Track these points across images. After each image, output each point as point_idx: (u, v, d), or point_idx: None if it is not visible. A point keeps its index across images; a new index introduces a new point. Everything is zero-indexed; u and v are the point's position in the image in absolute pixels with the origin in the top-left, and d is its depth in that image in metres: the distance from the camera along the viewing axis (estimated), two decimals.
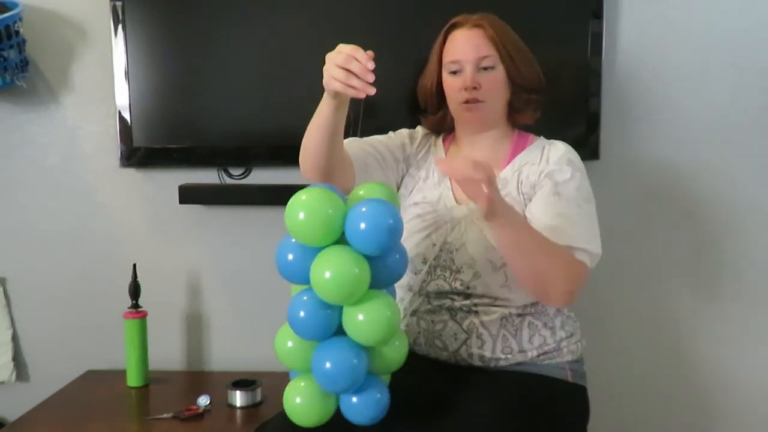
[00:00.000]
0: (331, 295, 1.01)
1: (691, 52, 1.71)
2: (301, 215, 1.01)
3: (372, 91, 1.08)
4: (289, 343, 1.11)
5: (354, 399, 1.07)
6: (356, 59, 1.07)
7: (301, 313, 1.04)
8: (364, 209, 1.01)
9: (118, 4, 1.73)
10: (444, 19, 1.39)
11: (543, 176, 1.29)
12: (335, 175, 1.27)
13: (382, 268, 1.04)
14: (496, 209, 1.11)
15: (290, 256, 1.06)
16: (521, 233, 1.18)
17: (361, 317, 1.02)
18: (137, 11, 1.73)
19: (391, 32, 1.70)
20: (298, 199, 1.03)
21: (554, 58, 1.49)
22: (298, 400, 1.09)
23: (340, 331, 1.07)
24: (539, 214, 1.26)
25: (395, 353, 1.10)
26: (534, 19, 1.63)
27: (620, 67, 1.72)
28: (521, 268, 1.22)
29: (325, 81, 1.12)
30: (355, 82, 1.08)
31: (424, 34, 1.43)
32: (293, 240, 1.06)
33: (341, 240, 1.04)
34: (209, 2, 1.74)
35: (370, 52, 1.09)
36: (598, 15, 1.66)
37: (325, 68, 1.12)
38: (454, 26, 1.37)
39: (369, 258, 1.03)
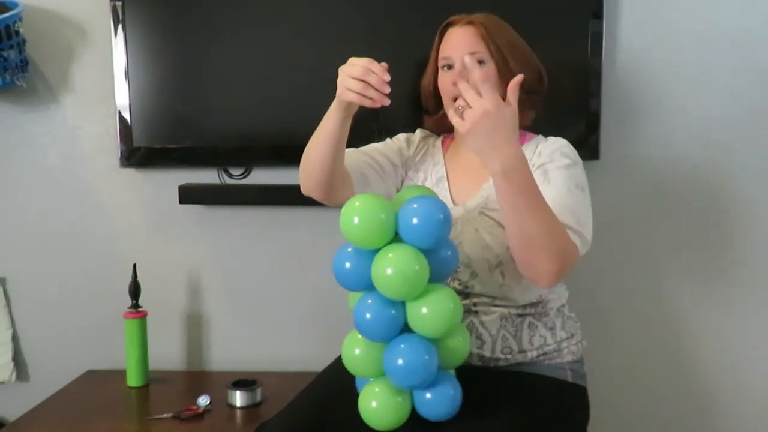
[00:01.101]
0: (394, 290, 1.05)
1: (691, 51, 1.71)
2: (356, 220, 1.06)
3: (388, 102, 1.12)
4: (357, 351, 1.14)
5: (428, 395, 1.11)
6: (372, 71, 1.11)
7: (368, 315, 1.08)
8: (415, 206, 1.07)
9: (118, 4, 1.73)
10: (446, 18, 1.39)
11: (535, 168, 1.29)
12: (336, 189, 1.28)
13: (435, 262, 1.09)
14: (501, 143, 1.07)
15: (348, 264, 1.10)
16: (526, 187, 1.11)
17: (425, 310, 1.07)
18: (137, 11, 1.73)
19: (391, 32, 1.70)
20: (352, 205, 1.08)
21: (554, 58, 1.49)
22: (374, 404, 1.12)
23: (405, 331, 1.11)
24: None
25: (460, 346, 1.14)
26: (534, 19, 1.63)
27: (620, 67, 1.72)
28: (514, 231, 1.14)
29: (339, 92, 1.15)
30: (372, 93, 1.11)
31: (426, 34, 1.43)
32: (349, 249, 1.11)
33: (394, 240, 1.09)
34: (209, 2, 1.73)
35: (384, 64, 1.12)
36: (598, 15, 1.66)
37: (339, 80, 1.15)
38: (448, 25, 1.38)
39: (423, 253, 1.08)
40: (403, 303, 1.09)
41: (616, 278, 1.78)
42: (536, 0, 1.67)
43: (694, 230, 1.76)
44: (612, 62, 1.71)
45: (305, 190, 1.31)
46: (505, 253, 1.28)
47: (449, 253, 1.13)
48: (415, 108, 1.50)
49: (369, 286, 1.09)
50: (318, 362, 1.47)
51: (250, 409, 1.61)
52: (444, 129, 1.47)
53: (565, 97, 1.65)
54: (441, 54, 1.37)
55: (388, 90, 1.12)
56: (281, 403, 1.34)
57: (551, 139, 1.36)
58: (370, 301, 1.09)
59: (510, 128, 1.10)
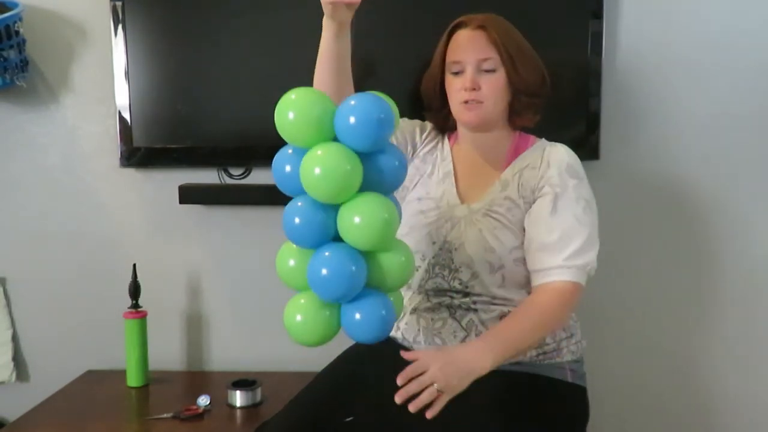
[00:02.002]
0: (321, 191, 0.98)
1: (692, 51, 1.71)
2: (291, 115, 0.99)
3: None
4: (291, 262, 1.07)
5: (357, 315, 1.03)
6: None
7: (296, 220, 1.01)
8: (353, 102, 0.99)
9: (118, 4, 1.73)
10: (447, 16, 1.39)
11: (543, 182, 1.29)
12: None
13: (378, 170, 1.02)
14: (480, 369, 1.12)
15: (288, 168, 1.03)
16: (516, 345, 1.20)
17: (357, 220, 0.98)
18: (137, 11, 1.73)
19: (392, 32, 1.70)
20: (287, 98, 1.01)
21: (554, 58, 1.49)
22: (298, 318, 1.05)
23: (337, 241, 1.04)
24: (536, 231, 1.28)
25: (398, 266, 1.05)
26: (534, 19, 1.63)
27: (620, 67, 1.72)
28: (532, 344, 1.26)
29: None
30: None
31: (428, 33, 1.43)
32: (289, 151, 1.04)
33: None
34: (209, 2, 1.74)
35: None
36: (598, 15, 1.66)
37: None
38: (458, 26, 1.37)
39: (362, 157, 1.00)
40: (335, 210, 1.01)
41: (616, 278, 1.78)
42: (536, 0, 1.67)
43: (694, 230, 1.76)
44: (612, 62, 1.71)
45: None
46: (507, 256, 1.29)
47: (396, 163, 1.04)
48: (415, 106, 1.49)
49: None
50: (318, 362, 1.47)
51: (250, 409, 1.61)
52: (446, 127, 1.46)
53: (565, 97, 1.65)
54: (450, 57, 1.35)
55: None
56: (281, 403, 1.34)
57: (555, 146, 1.36)
58: (300, 203, 1.01)
59: (461, 362, 1.11)
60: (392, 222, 1.00)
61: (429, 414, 1.06)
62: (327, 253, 1.00)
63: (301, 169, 0.99)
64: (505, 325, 1.21)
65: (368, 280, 1.04)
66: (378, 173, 1.02)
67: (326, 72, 1.22)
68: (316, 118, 0.99)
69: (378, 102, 0.99)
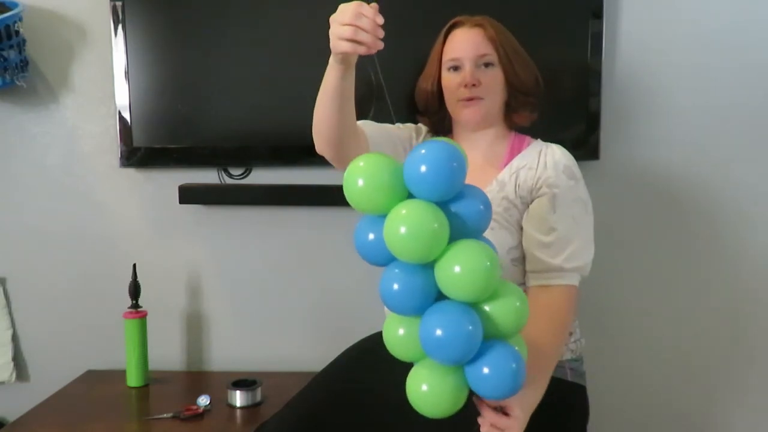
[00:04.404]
0: (411, 254, 0.92)
1: (691, 51, 1.71)
2: (360, 182, 0.94)
3: (381, 45, 1.06)
4: (401, 331, 1.00)
5: (486, 370, 0.95)
6: (363, 14, 1.05)
7: (395, 286, 0.95)
8: (423, 151, 0.94)
9: (118, 4, 1.73)
10: (444, 19, 1.39)
11: (540, 182, 1.30)
12: (348, 148, 1.24)
13: (458, 216, 0.96)
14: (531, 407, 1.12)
15: (371, 236, 0.97)
16: (549, 372, 1.20)
17: (457, 269, 0.92)
18: (137, 11, 1.74)
19: (391, 32, 1.69)
20: (356, 165, 0.96)
21: (554, 58, 1.49)
22: (424, 387, 0.97)
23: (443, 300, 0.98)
24: (534, 231, 1.28)
25: (514, 312, 0.97)
26: (534, 19, 1.64)
27: (620, 67, 1.72)
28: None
29: (332, 44, 1.09)
30: (363, 36, 1.04)
31: (426, 34, 1.43)
32: (368, 220, 0.99)
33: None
34: (209, 2, 1.74)
35: (374, 5, 1.06)
36: (598, 15, 1.67)
37: (330, 31, 1.09)
38: (454, 26, 1.38)
39: (443, 205, 0.96)
40: (433, 267, 0.96)
41: (615, 277, 1.78)
42: (536, 0, 1.67)
43: (693, 230, 1.76)
44: (612, 62, 1.71)
45: (318, 149, 1.27)
46: (505, 257, 1.29)
47: (481, 207, 0.98)
48: (410, 109, 1.49)
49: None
50: (318, 362, 1.47)
51: (250, 409, 1.61)
52: (442, 129, 1.46)
53: (565, 97, 1.66)
54: (447, 55, 1.37)
55: (381, 33, 1.05)
56: (281, 403, 1.34)
57: (552, 147, 1.36)
58: (397, 270, 0.95)
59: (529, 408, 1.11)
60: (495, 268, 0.93)
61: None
62: (438, 314, 0.94)
63: (385, 235, 0.93)
64: (548, 358, 1.20)
65: (484, 331, 0.97)
66: (463, 220, 0.96)
67: (328, 108, 1.19)
68: (386, 181, 0.94)
69: (447, 147, 0.94)
